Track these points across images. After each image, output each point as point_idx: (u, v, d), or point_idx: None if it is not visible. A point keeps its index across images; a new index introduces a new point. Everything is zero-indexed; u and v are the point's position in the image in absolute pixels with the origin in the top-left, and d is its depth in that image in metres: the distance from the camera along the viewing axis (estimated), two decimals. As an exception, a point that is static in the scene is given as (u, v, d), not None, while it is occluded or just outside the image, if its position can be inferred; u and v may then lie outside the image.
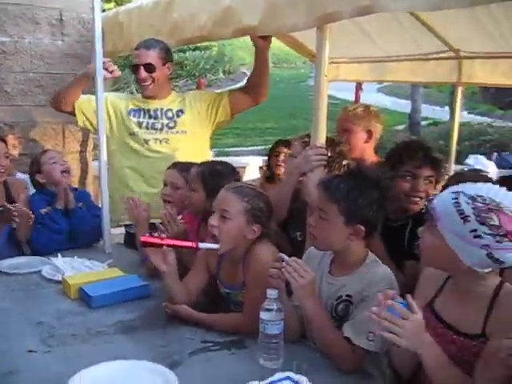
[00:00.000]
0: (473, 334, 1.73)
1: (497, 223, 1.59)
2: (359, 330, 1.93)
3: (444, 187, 2.39)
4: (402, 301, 1.65)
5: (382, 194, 2.09)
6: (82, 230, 3.44)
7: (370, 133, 3.29)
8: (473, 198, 1.63)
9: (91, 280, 2.73)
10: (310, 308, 2.00)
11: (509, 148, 10.15)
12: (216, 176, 2.73)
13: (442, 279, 1.86)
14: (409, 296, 1.68)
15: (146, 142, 3.62)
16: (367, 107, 3.42)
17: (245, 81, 4.14)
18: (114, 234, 3.71)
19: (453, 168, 5.02)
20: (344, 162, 2.73)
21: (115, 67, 3.52)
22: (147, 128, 3.63)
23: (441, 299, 1.85)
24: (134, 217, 3.09)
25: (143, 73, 3.53)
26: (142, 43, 3.55)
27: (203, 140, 3.77)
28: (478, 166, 9.83)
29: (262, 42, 3.30)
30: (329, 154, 2.58)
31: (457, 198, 1.65)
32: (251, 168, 6.73)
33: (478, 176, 2.71)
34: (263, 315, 1.95)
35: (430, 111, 17.45)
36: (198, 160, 2.97)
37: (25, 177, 3.74)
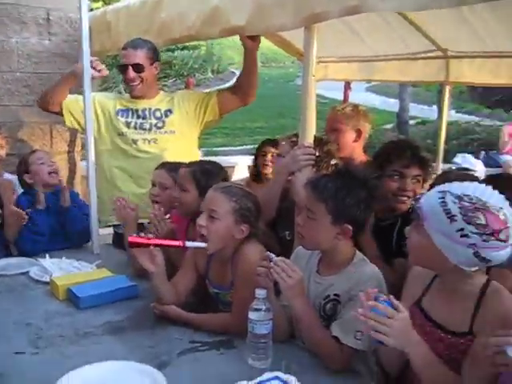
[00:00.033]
0: (460, 332, 1.74)
1: (483, 222, 1.60)
2: (347, 329, 1.93)
3: (431, 186, 2.40)
4: (387, 299, 1.66)
5: (369, 194, 2.10)
6: (75, 229, 3.42)
7: (358, 132, 3.30)
8: (459, 198, 1.64)
9: (79, 281, 2.72)
10: (299, 308, 2.00)
11: (496, 147, 10.20)
12: (208, 175, 2.74)
13: (430, 278, 1.87)
14: (391, 296, 1.69)
15: (135, 142, 3.61)
16: (356, 106, 3.43)
17: (234, 80, 4.14)
18: (103, 234, 3.70)
19: (441, 167, 5.05)
20: (333, 162, 2.73)
21: (103, 66, 3.51)
22: (135, 128, 3.62)
23: (428, 298, 1.86)
24: (122, 217, 3.08)
25: (131, 73, 3.52)
26: (129, 43, 3.53)
27: (191, 140, 3.76)
28: (465, 165, 9.90)
29: (251, 43, 3.30)
30: (317, 154, 2.58)
31: (443, 198, 1.66)
32: (240, 167, 6.73)
33: (464, 175, 2.72)
34: (252, 315, 1.96)
35: (418, 110, 17.50)
36: (187, 160, 2.96)
37: (12, 177, 3.71)
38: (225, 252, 2.34)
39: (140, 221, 3.06)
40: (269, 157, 4.42)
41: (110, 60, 9.15)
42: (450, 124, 10.50)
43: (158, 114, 3.66)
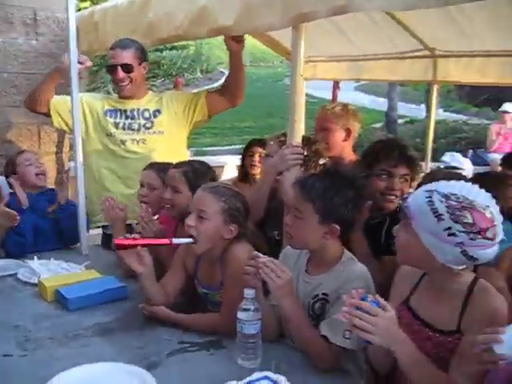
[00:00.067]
0: (448, 331, 1.74)
1: (470, 221, 1.61)
2: (335, 328, 1.93)
3: (419, 185, 2.41)
4: (374, 300, 1.66)
5: (357, 193, 2.10)
6: (70, 227, 3.41)
7: (348, 131, 3.30)
8: (446, 197, 1.64)
9: (68, 282, 2.71)
10: (288, 307, 2.00)
11: (484, 145, 10.25)
12: (200, 175, 2.74)
13: (417, 277, 1.88)
14: (378, 296, 1.69)
15: (123, 142, 3.60)
16: (345, 106, 3.44)
17: (223, 80, 4.13)
18: (92, 235, 3.68)
19: (429, 165, 5.08)
20: (321, 161, 2.74)
21: (85, 57, 3.48)
22: (124, 128, 3.61)
23: (416, 297, 1.87)
24: (110, 218, 3.07)
25: (121, 73, 3.51)
26: (117, 43, 3.52)
27: (180, 140, 3.76)
28: (454, 164, 9.93)
29: (235, 45, 3.32)
30: (305, 153, 2.59)
31: (430, 197, 1.67)
32: (229, 167, 6.72)
33: (451, 174, 2.74)
34: (240, 315, 1.96)
35: (406, 109, 17.58)
36: (175, 160, 2.96)
37: (1, 178, 3.68)
38: (214, 252, 2.34)
39: (128, 221, 3.05)
40: (256, 157, 4.41)
41: (98, 60, 9.12)
42: (438, 123, 10.55)
43: (146, 114, 3.65)
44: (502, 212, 1.68)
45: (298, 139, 2.56)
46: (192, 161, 2.99)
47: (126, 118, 3.62)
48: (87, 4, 11.42)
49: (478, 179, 2.73)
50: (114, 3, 3.91)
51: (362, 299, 1.65)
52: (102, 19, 3.98)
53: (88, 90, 5.07)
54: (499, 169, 4.52)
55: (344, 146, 3.31)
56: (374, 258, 2.46)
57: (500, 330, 1.46)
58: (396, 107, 15.58)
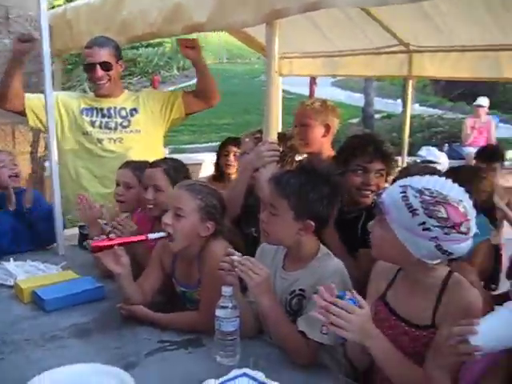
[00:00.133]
0: (423, 325, 1.76)
1: (444, 215, 1.62)
2: (313, 323, 1.94)
3: (394, 180, 2.42)
4: (352, 297, 1.67)
5: (332, 190, 2.11)
6: (39, 231, 3.37)
7: (327, 127, 3.31)
8: (420, 192, 1.66)
9: (44, 283, 2.68)
10: (266, 304, 2.01)
11: (459, 139, 10.36)
12: (180, 172, 2.75)
13: (393, 272, 1.89)
14: (355, 292, 1.70)
15: (100, 141, 3.57)
16: (324, 102, 3.44)
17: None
18: (69, 235, 3.65)
19: (406, 160, 5.12)
20: (299, 157, 2.74)
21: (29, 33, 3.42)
22: (100, 127, 3.59)
23: (392, 292, 1.88)
24: (86, 218, 3.05)
25: (99, 71, 3.48)
26: (94, 41, 3.49)
27: (157, 139, 3.75)
28: (430, 158, 9.99)
29: (191, 53, 3.38)
30: (280, 149, 2.59)
31: (405, 192, 1.68)
32: (207, 164, 6.71)
33: (426, 168, 2.76)
34: (218, 312, 1.96)
35: (383, 104, 17.68)
36: (152, 159, 2.94)
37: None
38: (191, 250, 2.34)
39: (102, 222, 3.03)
40: (231, 156, 4.39)
41: (74, 58, 9.05)
42: (413, 117, 10.65)
43: (123, 112, 3.63)
44: (476, 205, 1.70)
45: (273, 136, 2.57)
46: (168, 158, 2.98)
47: (103, 116, 3.60)
48: (61, 1, 11.31)
49: (452, 173, 2.77)
50: (86, 1, 3.87)
51: (340, 297, 1.66)
52: (75, 17, 3.95)
53: (64, 89, 5.01)
54: (474, 162, 4.58)
55: (323, 142, 3.31)
56: (350, 253, 2.48)
57: (475, 321, 1.48)
58: (372, 102, 15.67)
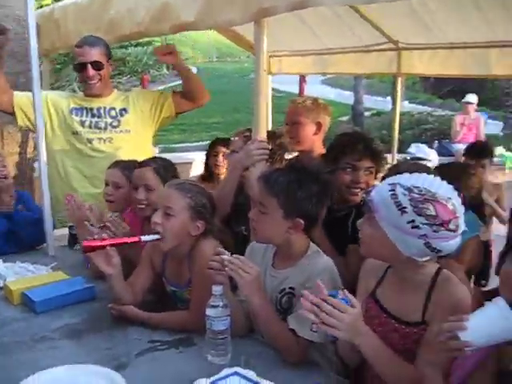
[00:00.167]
0: (413, 322, 1.77)
1: (433, 213, 1.63)
2: (303, 321, 1.93)
3: (384, 178, 2.43)
4: (344, 296, 1.67)
5: (321, 188, 2.11)
6: (22, 233, 3.35)
7: (319, 125, 3.31)
8: (409, 189, 1.66)
9: (34, 284, 2.66)
10: (256, 303, 2.01)
11: (448, 136, 10.42)
12: (169, 171, 2.75)
13: (383, 270, 1.90)
14: (346, 291, 1.71)
15: (90, 141, 3.56)
16: (316, 100, 3.45)
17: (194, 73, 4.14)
18: (59, 235, 3.63)
19: (396, 157, 5.14)
20: (289, 156, 2.74)
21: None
22: (90, 127, 3.57)
23: (382, 289, 1.89)
24: (75, 218, 3.03)
25: (91, 71, 3.47)
26: (84, 40, 3.48)
27: (146, 139, 3.75)
28: (419, 155, 10.10)
29: (169, 59, 3.43)
30: (270, 147, 2.59)
31: (394, 190, 1.68)
32: (197, 163, 6.70)
33: (415, 165, 2.77)
34: (209, 312, 1.96)
35: (372, 102, 17.76)
36: (141, 159, 2.93)
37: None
38: (181, 249, 2.33)
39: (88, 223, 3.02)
40: (220, 157, 4.38)
41: (62, 58, 9.00)
42: (403, 115, 10.70)
43: (113, 112, 3.62)
44: (464, 202, 1.71)
45: (263, 134, 2.57)
46: (156, 158, 2.98)
47: (93, 116, 3.59)
48: (49, 1, 11.25)
49: (441, 170, 2.78)
50: (74, 0, 3.86)
51: (333, 296, 1.66)
52: (62, 16, 3.93)
53: (53, 89, 4.99)
54: (463, 159, 4.60)
55: (314, 140, 3.32)
56: (341, 251, 2.49)
57: (464, 317, 1.49)
58: (362, 100, 15.74)
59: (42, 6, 6.03)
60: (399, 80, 5.07)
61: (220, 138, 4.60)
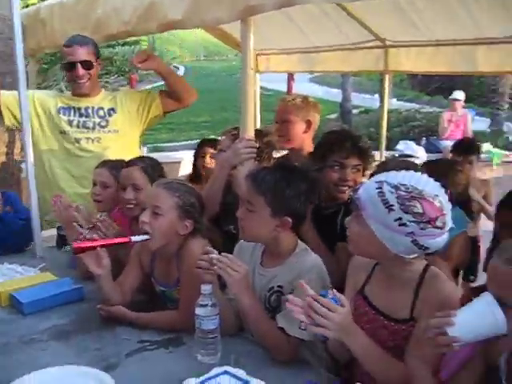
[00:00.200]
0: (402, 319, 1.77)
1: (420, 211, 1.63)
2: (292, 319, 1.94)
3: (372, 175, 2.44)
4: (333, 296, 1.67)
5: (309, 186, 2.11)
6: (8, 235, 3.32)
7: (308, 123, 3.31)
8: (396, 187, 1.66)
9: (22, 286, 2.65)
10: (245, 302, 2.01)
11: (436, 133, 10.47)
12: (157, 170, 2.75)
13: (371, 266, 1.90)
14: (335, 291, 1.71)
15: (78, 140, 3.54)
16: (306, 98, 3.44)
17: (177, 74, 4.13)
18: (47, 236, 3.61)
19: (384, 154, 5.15)
20: (277, 154, 2.74)
21: None
22: (78, 127, 3.55)
23: (370, 286, 1.89)
24: (62, 219, 3.01)
25: (81, 70, 3.45)
26: (73, 40, 3.45)
27: (133, 139, 3.74)
28: (407, 152, 10.15)
29: (147, 64, 3.45)
30: (257, 146, 2.59)
31: (381, 188, 1.68)
32: (186, 163, 6.69)
33: (403, 162, 2.77)
34: (198, 311, 1.96)
35: (360, 99, 17.80)
36: (129, 159, 2.93)
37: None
38: (169, 249, 2.33)
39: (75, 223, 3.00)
40: (207, 158, 4.37)
41: (49, 57, 8.94)
42: (391, 112, 10.73)
43: (101, 112, 3.60)
44: (451, 199, 1.72)
45: (250, 132, 2.57)
46: (143, 157, 2.98)
47: (81, 115, 3.57)
48: (35, 0, 11.17)
49: (428, 167, 2.79)
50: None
51: (323, 296, 1.66)
52: (48, 16, 3.90)
53: (40, 89, 4.96)
54: (450, 156, 4.63)
55: (304, 138, 3.32)
56: (330, 249, 2.49)
57: (452, 313, 1.49)
58: (350, 98, 15.79)
59: (27, 6, 5.99)
60: (387, 77, 5.08)
61: (207, 139, 4.59)
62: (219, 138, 3.07)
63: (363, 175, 2.65)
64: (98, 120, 3.57)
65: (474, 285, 3.79)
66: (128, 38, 4.30)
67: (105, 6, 3.35)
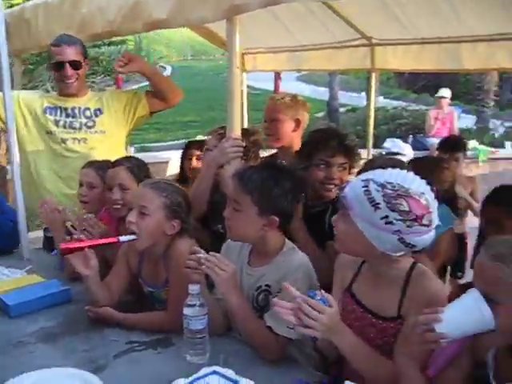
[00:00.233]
0: (390, 317, 1.78)
1: (406, 209, 1.63)
2: (279, 319, 1.94)
3: (359, 173, 2.44)
4: (322, 297, 1.67)
5: (296, 185, 2.11)
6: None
7: (298, 122, 3.31)
8: (382, 185, 1.66)
9: (9, 288, 2.63)
10: (233, 301, 2.01)
11: (423, 130, 10.52)
12: (143, 170, 2.74)
13: (358, 264, 1.90)
14: (323, 291, 1.71)
15: (64, 141, 3.52)
16: (295, 96, 3.44)
17: (164, 74, 4.11)
18: (34, 238, 3.59)
19: (371, 152, 5.16)
20: (264, 153, 2.74)
21: None
22: (65, 127, 3.53)
23: (357, 284, 1.89)
24: (49, 220, 2.99)
25: (69, 70, 3.43)
26: (61, 39, 3.42)
27: (120, 139, 3.72)
28: (395, 149, 10.19)
29: (131, 67, 3.43)
30: (244, 145, 2.59)
31: (367, 186, 1.68)
32: (173, 162, 6.67)
33: (390, 160, 2.78)
34: (186, 311, 1.95)
35: (347, 98, 17.83)
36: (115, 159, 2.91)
37: None
38: (156, 249, 2.32)
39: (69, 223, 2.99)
40: (194, 160, 4.35)
41: (35, 58, 8.88)
42: (378, 110, 10.76)
43: (87, 113, 3.58)
44: (437, 196, 1.72)
45: (237, 131, 2.56)
46: (130, 157, 2.97)
47: (67, 116, 3.55)
48: (20, 0, 11.08)
49: (414, 164, 2.80)
50: (44, -1, 3.80)
51: (311, 297, 1.66)
52: (33, 16, 3.86)
53: (26, 89, 4.91)
54: (437, 153, 4.65)
55: (293, 137, 3.32)
56: (319, 247, 2.49)
57: (439, 309, 1.50)
58: (337, 96, 15.81)
59: (11, 6, 5.94)
60: (373, 75, 5.08)
61: (194, 141, 4.57)
62: (206, 138, 3.06)
63: (350, 173, 2.66)
64: (84, 120, 3.55)
65: (461, 281, 3.81)
66: (113, 37, 4.27)
67: (89, 6, 3.33)
